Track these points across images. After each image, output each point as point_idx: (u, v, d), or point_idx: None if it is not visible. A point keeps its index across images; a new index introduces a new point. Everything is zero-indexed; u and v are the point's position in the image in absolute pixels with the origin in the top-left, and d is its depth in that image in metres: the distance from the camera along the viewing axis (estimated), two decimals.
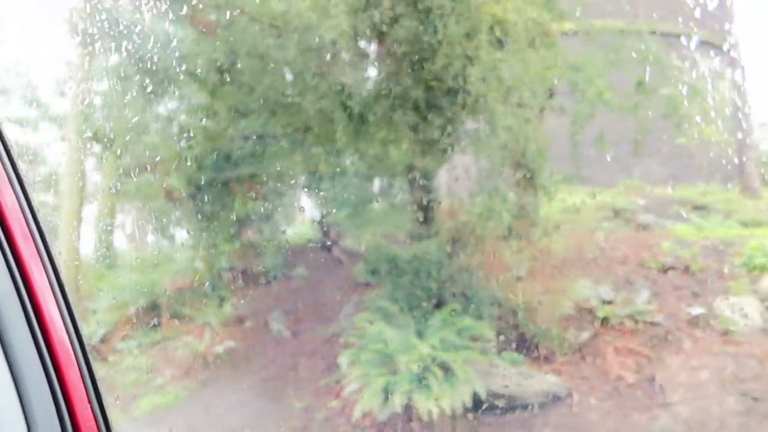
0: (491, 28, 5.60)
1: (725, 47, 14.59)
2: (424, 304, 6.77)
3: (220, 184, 7.14)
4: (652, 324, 6.90)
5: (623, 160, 16.56)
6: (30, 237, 1.20)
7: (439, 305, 6.78)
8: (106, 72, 6.64)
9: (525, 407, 5.98)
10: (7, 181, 1.20)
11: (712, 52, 15.41)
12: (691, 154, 16.11)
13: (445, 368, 6.10)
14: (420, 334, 6.49)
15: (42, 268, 1.20)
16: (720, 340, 6.67)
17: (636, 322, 6.92)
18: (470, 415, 5.83)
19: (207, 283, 8.45)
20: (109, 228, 8.81)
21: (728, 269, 7.49)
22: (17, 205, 1.19)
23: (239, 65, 5.98)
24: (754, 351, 6.46)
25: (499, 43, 5.69)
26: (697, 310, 7.01)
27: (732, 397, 5.91)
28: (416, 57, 5.16)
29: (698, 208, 11.60)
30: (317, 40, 5.23)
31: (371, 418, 5.72)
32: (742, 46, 14.54)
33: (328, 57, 5.45)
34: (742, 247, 7.68)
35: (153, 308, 8.54)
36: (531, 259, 7.89)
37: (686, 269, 7.67)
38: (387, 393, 5.87)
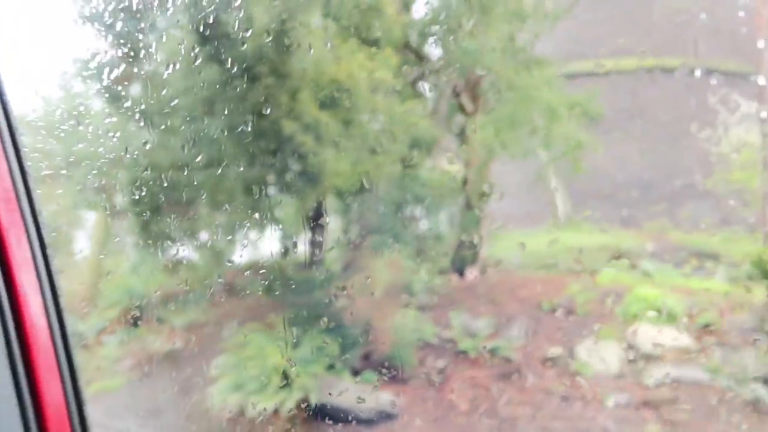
0: (322, 87, 6.49)
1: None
2: (304, 322, 7.73)
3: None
4: (507, 360, 7.23)
5: (673, 201, 16.05)
6: (24, 232, 1.20)
7: (315, 324, 7.70)
8: None
9: (350, 421, 6.69)
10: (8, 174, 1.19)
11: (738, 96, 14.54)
12: (738, 198, 15.32)
13: (289, 377, 7.01)
14: (287, 347, 7.46)
15: (32, 264, 1.21)
16: (563, 381, 6.86)
17: (493, 356, 7.28)
18: (297, 420, 6.68)
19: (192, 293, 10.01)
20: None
21: (607, 315, 7.56)
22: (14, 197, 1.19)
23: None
24: (587, 394, 6.59)
25: (333, 101, 6.54)
26: (555, 351, 7.22)
27: None
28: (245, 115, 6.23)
29: (706, 256, 11.23)
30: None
31: (209, 411, 6.81)
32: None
33: None
34: (629, 295, 7.68)
35: (143, 310, 10.27)
36: (428, 291, 8.49)
37: (570, 311, 7.83)
38: (233, 392, 6.92)
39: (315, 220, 8.59)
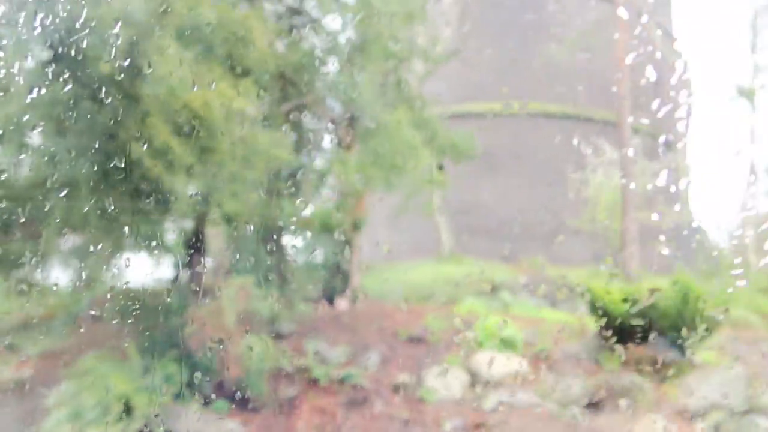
0: (176, 113, 6.55)
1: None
2: (157, 349, 7.55)
3: None
4: (358, 387, 7.38)
5: (552, 238, 16.93)
6: None
7: (167, 351, 7.55)
8: None
9: None
10: None
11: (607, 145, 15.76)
12: (602, 236, 16.36)
13: (130, 406, 6.82)
14: (138, 374, 7.26)
15: None
16: (409, 407, 7.08)
17: (343, 383, 7.42)
18: None
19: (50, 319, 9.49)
20: None
21: (457, 343, 7.91)
22: None
23: None
24: (428, 419, 6.85)
25: (188, 128, 6.60)
26: (404, 378, 7.45)
27: None
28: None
29: (570, 289, 11.90)
30: None
31: None
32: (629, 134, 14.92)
33: None
34: (477, 325, 8.08)
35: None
36: (290, 320, 8.56)
37: (424, 340, 8.13)
38: (68, 422, 6.64)
39: (188, 247, 8.50)
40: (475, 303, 9.29)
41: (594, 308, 7.29)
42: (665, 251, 14.13)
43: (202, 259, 8.65)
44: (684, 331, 6.82)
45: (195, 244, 8.16)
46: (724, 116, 20.72)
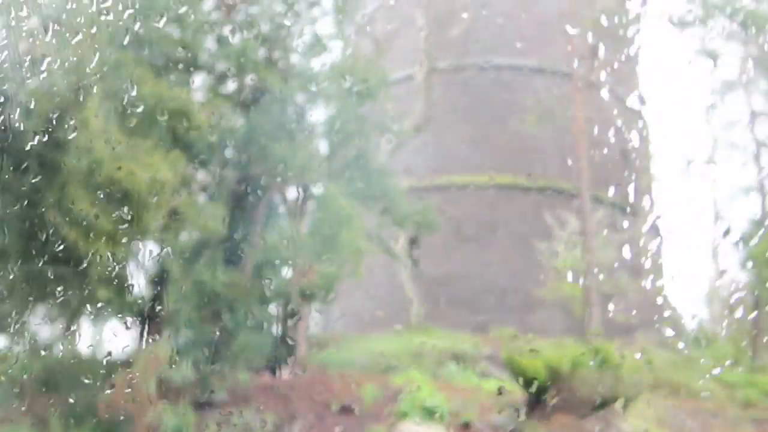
0: (99, 183, 6.77)
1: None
2: (76, 420, 7.49)
3: None
4: None
5: (525, 309, 16.80)
6: None
7: (85, 419, 7.47)
8: None
9: None
10: None
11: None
12: (573, 305, 16.21)
13: None
14: None
15: None
16: None
17: None
18: None
19: None
20: None
21: (386, 414, 7.78)
22: None
23: None
24: None
25: (111, 197, 6.79)
26: None
27: None
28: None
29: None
30: None
31: None
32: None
33: None
34: (407, 396, 7.97)
35: None
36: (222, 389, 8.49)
37: (353, 411, 8.01)
38: None
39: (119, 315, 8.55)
40: (416, 374, 9.17)
41: (517, 378, 7.22)
42: (627, 318, 14.01)
43: (140, 327, 8.68)
44: (605, 400, 6.72)
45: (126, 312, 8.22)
46: (687, 188, 21.00)
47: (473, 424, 7.25)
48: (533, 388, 6.98)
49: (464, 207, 18.37)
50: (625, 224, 15.48)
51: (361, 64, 11.84)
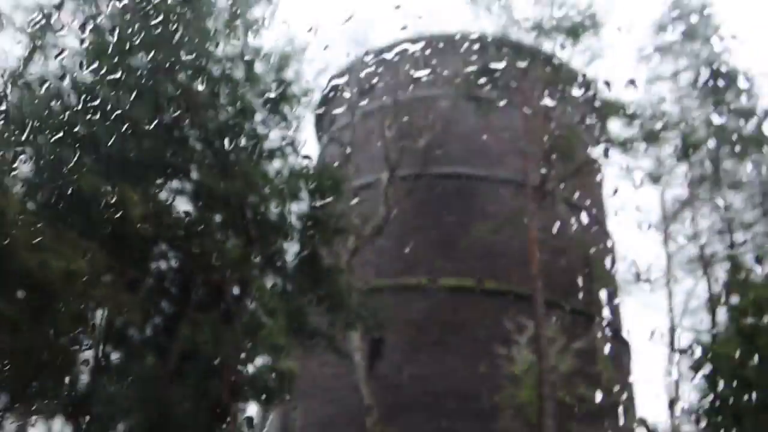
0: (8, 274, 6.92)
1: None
2: None
3: None
4: None
5: (490, 414, 16.28)
6: None
7: None
8: None
9: None
10: None
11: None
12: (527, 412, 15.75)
13: None
14: None
15: None
16: None
17: None
18: None
19: None
20: None
21: None
22: None
23: None
24: None
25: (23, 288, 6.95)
26: None
27: None
28: None
29: None
30: None
31: None
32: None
33: None
34: None
35: None
36: None
37: None
38: None
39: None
40: None
41: None
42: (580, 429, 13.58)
43: None
44: None
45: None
46: (644, 300, 21.03)
47: None
48: None
49: (427, 309, 18.36)
50: (583, 332, 15.36)
51: (321, 169, 12.37)
